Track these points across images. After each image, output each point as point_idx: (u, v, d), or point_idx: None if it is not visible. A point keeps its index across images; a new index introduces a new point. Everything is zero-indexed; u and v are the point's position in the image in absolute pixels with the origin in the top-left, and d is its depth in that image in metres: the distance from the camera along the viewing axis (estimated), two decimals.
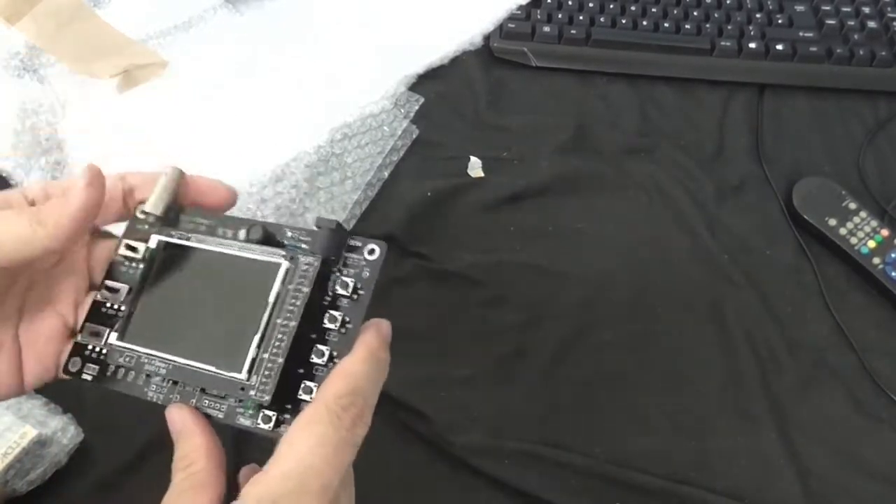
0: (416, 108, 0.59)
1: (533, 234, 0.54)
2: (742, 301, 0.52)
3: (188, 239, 0.29)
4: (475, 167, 0.57)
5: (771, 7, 0.66)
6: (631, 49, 0.63)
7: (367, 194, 0.55)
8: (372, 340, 0.28)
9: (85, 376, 0.30)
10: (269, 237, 0.29)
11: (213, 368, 0.27)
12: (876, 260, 0.53)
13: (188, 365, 0.28)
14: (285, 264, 0.28)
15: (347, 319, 0.28)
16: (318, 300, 0.28)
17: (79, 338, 0.30)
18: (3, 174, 0.52)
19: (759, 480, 0.45)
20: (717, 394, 0.48)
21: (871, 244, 0.53)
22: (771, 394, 0.48)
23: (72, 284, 0.32)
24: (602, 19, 0.64)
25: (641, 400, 0.48)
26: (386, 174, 0.56)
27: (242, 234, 0.29)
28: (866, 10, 0.65)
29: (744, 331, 0.50)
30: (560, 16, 0.64)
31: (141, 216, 0.31)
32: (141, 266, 0.30)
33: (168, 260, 0.30)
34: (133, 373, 0.29)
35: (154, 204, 0.30)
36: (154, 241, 0.30)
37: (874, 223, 0.54)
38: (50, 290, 0.31)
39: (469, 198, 0.55)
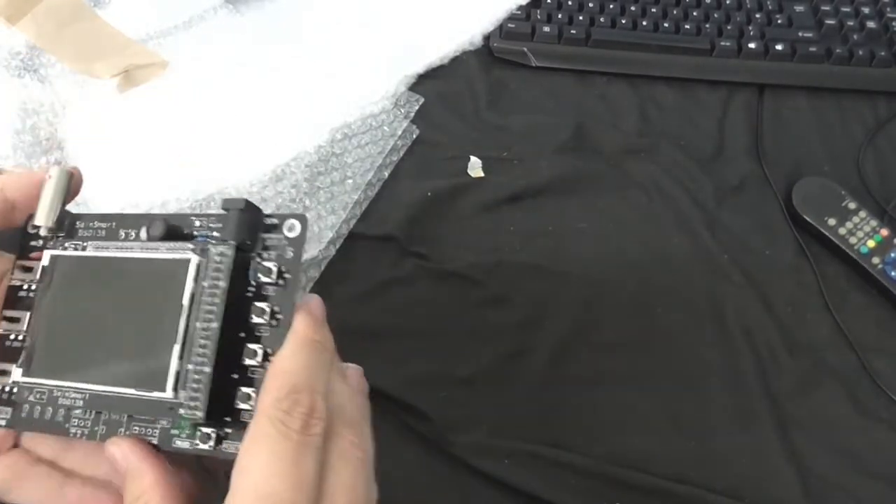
0: (417, 108, 0.59)
1: (533, 234, 0.54)
2: (742, 301, 0.52)
3: (84, 248, 0.26)
4: (475, 167, 0.57)
5: (770, 7, 0.66)
6: (631, 49, 0.63)
7: (368, 194, 0.55)
8: (300, 326, 0.24)
9: None
10: (173, 231, 0.25)
11: (133, 391, 0.24)
12: (875, 259, 0.53)
13: (106, 392, 0.24)
14: (195, 258, 0.24)
15: (277, 309, 0.24)
16: (241, 293, 0.24)
17: None
18: None
19: (758, 480, 0.45)
20: (716, 393, 0.48)
21: (871, 244, 0.53)
22: (770, 393, 0.48)
23: None
24: (602, 19, 0.64)
25: (641, 400, 0.48)
26: (386, 174, 0.56)
27: (144, 232, 0.25)
28: (866, 10, 0.65)
29: (743, 330, 0.50)
30: (560, 16, 0.64)
31: (32, 231, 0.27)
32: (35, 286, 0.26)
33: (65, 275, 0.26)
34: (49, 409, 0.25)
35: (44, 216, 0.26)
36: (46, 256, 0.26)
37: (874, 223, 0.54)
38: None
39: (469, 198, 0.55)
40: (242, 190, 0.53)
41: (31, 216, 0.27)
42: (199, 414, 0.23)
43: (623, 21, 0.64)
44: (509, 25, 0.63)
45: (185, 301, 0.24)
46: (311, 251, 0.51)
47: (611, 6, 0.65)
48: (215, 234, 0.25)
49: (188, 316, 0.24)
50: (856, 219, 0.54)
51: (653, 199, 0.56)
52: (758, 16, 0.65)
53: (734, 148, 0.59)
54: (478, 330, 0.50)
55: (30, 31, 0.54)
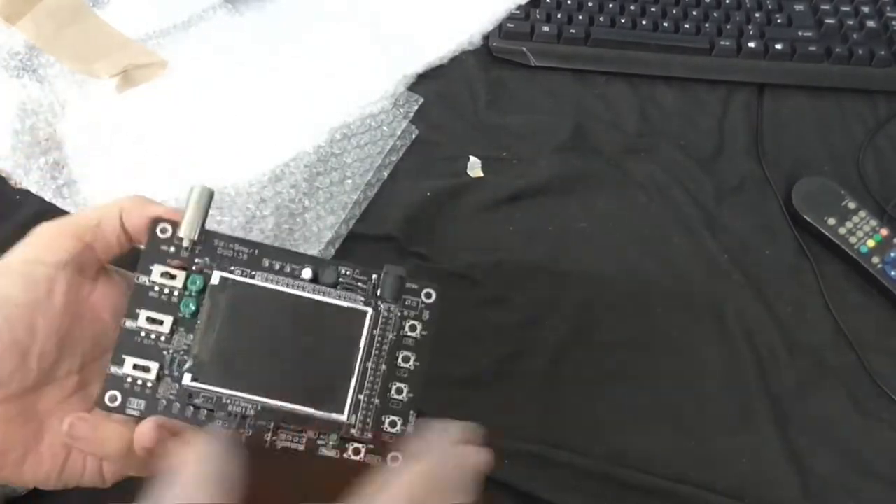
0: (416, 108, 0.59)
1: (532, 234, 0.54)
2: (742, 301, 0.52)
3: (252, 276, 0.29)
4: (475, 167, 0.57)
5: (770, 6, 0.66)
6: (630, 48, 0.63)
7: (367, 194, 0.55)
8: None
9: (130, 412, 0.29)
10: (335, 279, 0.30)
11: (311, 410, 0.29)
12: (875, 259, 0.53)
13: (281, 406, 0.28)
14: (370, 312, 0.30)
15: (415, 357, 0.31)
16: (391, 340, 0.31)
17: (111, 369, 0.28)
18: (3, 174, 0.51)
19: (759, 480, 0.45)
20: (717, 393, 0.48)
21: (871, 243, 0.53)
22: (771, 393, 0.48)
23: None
24: (601, 19, 0.64)
25: (641, 400, 0.48)
26: (385, 174, 0.56)
27: (307, 273, 0.30)
28: (865, 9, 0.65)
29: (743, 330, 0.50)
30: (559, 15, 0.64)
31: (162, 235, 0.29)
32: (175, 294, 0.29)
33: (239, 298, 0.29)
34: (190, 408, 0.29)
35: (189, 229, 0.29)
36: (217, 277, 0.29)
37: (873, 222, 0.54)
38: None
39: (469, 198, 0.55)
40: (242, 190, 0.53)
41: (157, 219, 0.29)
42: (368, 435, 0.29)
43: (622, 20, 0.64)
44: (508, 25, 0.63)
45: (362, 345, 0.29)
46: (309, 251, 0.51)
47: (610, 5, 0.65)
48: (360, 285, 0.30)
49: (363, 356, 0.29)
50: (856, 218, 0.54)
51: (652, 199, 0.56)
52: (757, 15, 0.65)
53: (734, 147, 0.59)
54: (477, 330, 0.50)
55: (29, 32, 0.54)
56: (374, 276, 0.30)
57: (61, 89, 0.54)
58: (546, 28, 0.63)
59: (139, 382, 0.28)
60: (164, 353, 0.29)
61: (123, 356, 0.28)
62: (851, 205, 0.55)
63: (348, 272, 0.30)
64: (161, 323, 0.29)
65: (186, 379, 0.28)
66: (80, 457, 0.28)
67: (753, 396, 0.48)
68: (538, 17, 0.64)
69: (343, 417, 0.29)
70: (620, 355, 0.49)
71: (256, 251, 0.30)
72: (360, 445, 0.30)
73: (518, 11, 0.64)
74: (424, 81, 0.61)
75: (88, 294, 0.29)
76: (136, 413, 0.28)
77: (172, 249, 0.29)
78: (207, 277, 0.29)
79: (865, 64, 0.62)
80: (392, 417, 0.30)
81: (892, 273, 0.52)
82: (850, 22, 0.64)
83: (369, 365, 0.30)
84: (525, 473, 0.44)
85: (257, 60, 0.59)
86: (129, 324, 0.29)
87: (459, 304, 0.50)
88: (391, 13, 0.65)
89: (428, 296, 0.31)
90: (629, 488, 0.44)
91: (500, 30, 0.63)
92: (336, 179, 0.55)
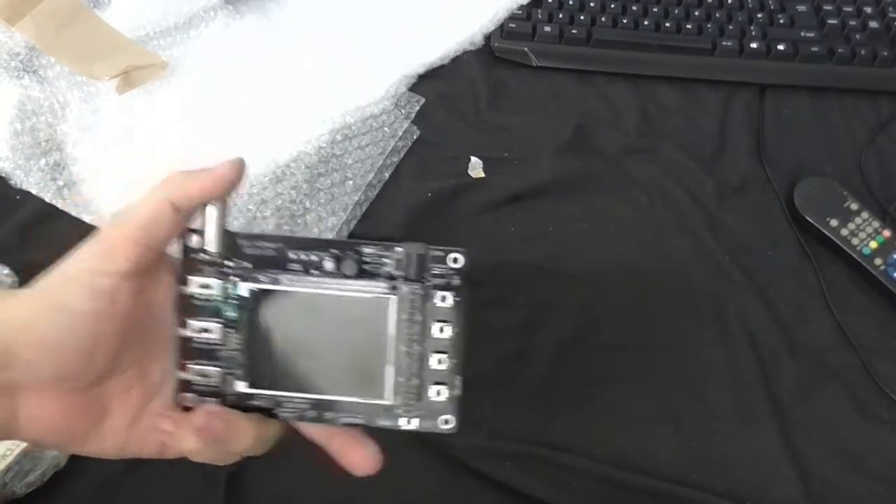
0: (417, 108, 0.59)
1: (533, 234, 0.54)
2: (743, 302, 0.52)
3: (278, 282, 0.30)
4: (476, 167, 0.57)
5: (772, 7, 0.66)
6: (632, 49, 0.63)
7: (368, 195, 0.55)
8: None
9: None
10: (362, 269, 0.30)
11: (357, 399, 0.30)
12: (878, 261, 0.53)
13: (331, 399, 0.30)
14: (394, 298, 0.30)
15: (451, 326, 0.31)
16: (423, 312, 0.31)
17: (182, 375, 0.30)
18: (3, 175, 0.52)
19: (760, 481, 0.45)
20: (718, 395, 0.48)
21: (873, 245, 0.53)
22: (772, 395, 0.48)
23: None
24: (603, 19, 0.64)
25: (642, 401, 0.48)
26: (387, 175, 0.56)
27: (329, 265, 0.30)
28: (868, 9, 0.65)
29: (745, 331, 0.50)
30: (561, 15, 0.64)
31: (192, 245, 0.30)
32: (216, 300, 0.30)
33: (272, 306, 0.30)
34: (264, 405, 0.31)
35: (214, 241, 0.30)
36: (245, 289, 0.30)
37: (876, 224, 0.54)
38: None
39: (469, 198, 0.55)
40: (242, 191, 0.53)
41: (188, 230, 0.30)
42: (414, 413, 0.31)
43: (624, 21, 0.63)
44: (510, 25, 0.63)
45: (391, 332, 0.30)
46: None
47: (612, 6, 0.64)
48: (385, 261, 0.30)
49: (395, 341, 0.30)
50: (858, 220, 0.54)
51: (654, 200, 0.56)
52: (760, 15, 0.65)
53: (735, 148, 0.59)
54: (478, 331, 0.49)
55: (29, 33, 0.54)
56: (398, 249, 0.30)
57: (62, 90, 0.54)
58: (548, 28, 0.63)
59: (204, 383, 0.31)
60: (221, 354, 0.30)
61: (184, 362, 0.30)
62: (854, 206, 0.55)
63: (371, 252, 0.30)
64: (210, 330, 0.30)
65: (242, 386, 0.30)
66: (143, 435, 0.30)
67: (755, 398, 0.48)
68: (540, 17, 0.64)
69: (387, 402, 0.30)
70: (621, 356, 0.49)
71: (282, 245, 0.30)
72: (410, 416, 0.31)
73: (520, 11, 0.64)
74: (426, 81, 0.61)
75: (150, 290, 0.30)
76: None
77: (205, 257, 0.30)
78: (237, 286, 0.30)
79: (868, 64, 0.62)
80: (437, 387, 0.31)
81: (895, 275, 0.52)
82: (853, 22, 0.64)
83: (402, 348, 0.30)
84: (526, 476, 0.44)
85: (257, 61, 0.59)
86: (181, 332, 0.30)
87: None
88: (392, 13, 0.64)
89: (455, 260, 0.31)
90: (629, 490, 0.44)
91: (502, 30, 0.63)
92: (337, 180, 0.55)
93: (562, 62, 0.63)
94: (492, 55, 0.63)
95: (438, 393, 0.31)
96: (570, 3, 0.65)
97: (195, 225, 0.30)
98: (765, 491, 0.45)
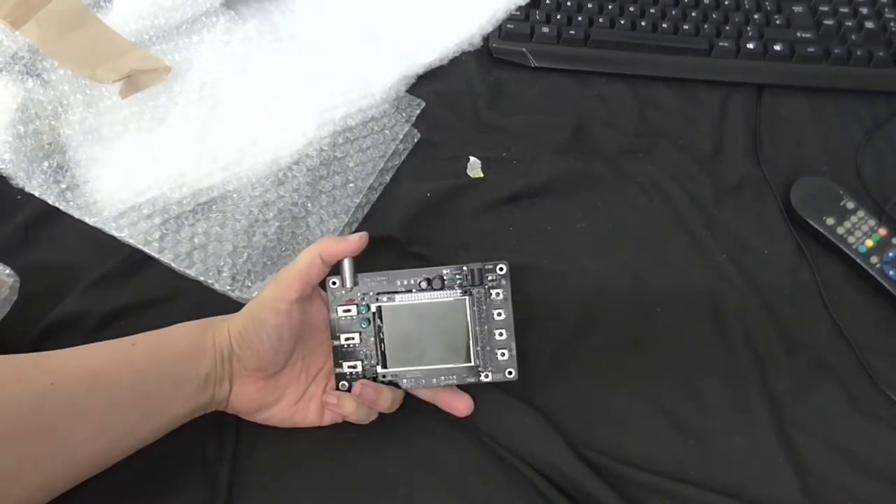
0: (418, 112, 0.59)
1: (532, 234, 0.54)
2: (740, 300, 0.52)
3: (392, 300, 0.44)
4: (475, 167, 0.57)
5: (769, 7, 0.66)
6: (629, 49, 0.63)
7: (369, 198, 0.55)
8: None
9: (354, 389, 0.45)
10: (435, 283, 0.45)
11: (452, 365, 0.44)
12: (874, 259, 0.53)
13: (437, 368, 0.44)
14: (467, 299, 0.44)
15: (504, 311, 0.44)
16: (486, 305, 0.45)
17: (339, 370, 0.44)
18: (5, 176, 0.52)
19: (757, 479, 0.45)
20: (715, 393, 0.48)
21: (869, 243, 0.54)
22: (769, 393, 0.48)
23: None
24: (601, 20, 0.64)
25: (640, 399, 0.48)
26: (388, 178, 0.56)
27: (423, 284, 0.44)
28: (864, 10, 0.65)
29: (742, 330, 0.51)
30: (559, 16, 0.64)
31: (333, 287, 0.44)
32: (354, 318, 0.44)
33: (391, 314, 0.44)
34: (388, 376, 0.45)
35: (349, 279, 0.44)
36: (374, 306, 0.44)
37: (872, 222, 0.54)
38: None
39: (469, 198, 0.55)
40: (244, 193, 0.53)
41: (329, 277, 0.44)
42: (490, 369, 0.44)
43: (622, 22, 0.64)
44: (508, 26, 0.63)
45: (468, 320, 0.44)
46: None
47: (609, 7, 0.65)
48: (457, 278, 0.44)
49: (471, 325, 0.44)
50: (854, 218, 0.55)
51: (652, 199, 0.56)
52: (756, 16, 0.65)
53: (733, 148, 0.60)
54: None
55: (33, 36, 0.55)
56: (465, 268, 0.44)
57: (65, 93, 0.55)
58: (546, 29, 0.63)
59: (352, 374, 0.45)
60: (362, 352, 0.44)
61: (340, 361, 0.45)
62: (850, 205, 0.55)
63: (447, 273, 0.44)
64: (353, 338, 0.44)
65: (377, 369, 0.44)
66: (305, 407, 0.44)
67: (752, 395, 0.48)
68: (538, 18, 0.64)
69: (471, 363, 0.44)
70: (619, 354, 0.50)
71: (389, 278, 0.44)
72: (489, 373, 0.44)
73: (518, 13, 0.64)
74: (425, 82, 0.62)
75: (309, 310, 0.44)
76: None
77: (343, 292, 0.44)
78: (368, 307, 0.44)
79: (864, 65, 0.63)
80: (500, 350, 0.44)
81: (891, 272, 0.52)
82: (849, 23, 0.64)
83: (476, 329, 0.44)
84: (525, 474, 0.44)
85: (258, 64, 0.60)
86: (335, 343, 0.44)
87: None
88: (391, 15, 0.65)
89: (500, 269, 0.44)
90: (628, 487, 0.44)
91: (500, 31, 0.64)
92: (339, 183, 0.55)
93: (560, 63, 0.63)
94: (490, 56, 0.63)
95: (503, 354, 0.44)
96: (568, 4, 0.65)
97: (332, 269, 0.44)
98: (762, 487, 0.45)
